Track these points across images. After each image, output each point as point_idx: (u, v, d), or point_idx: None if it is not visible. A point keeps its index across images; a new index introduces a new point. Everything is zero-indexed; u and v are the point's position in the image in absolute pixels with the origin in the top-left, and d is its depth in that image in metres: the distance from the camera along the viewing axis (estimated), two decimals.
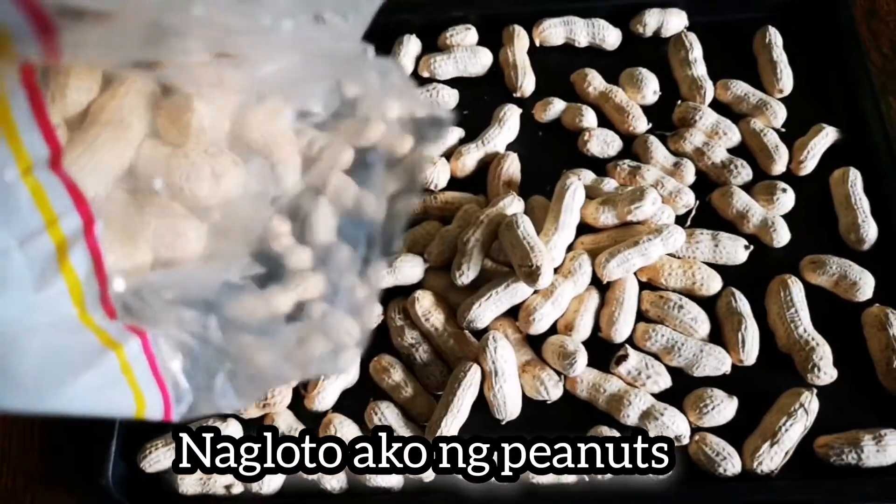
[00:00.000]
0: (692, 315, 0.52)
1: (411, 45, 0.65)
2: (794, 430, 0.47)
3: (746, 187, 0.57)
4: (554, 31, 0.64)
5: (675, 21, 0.64)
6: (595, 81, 0.62)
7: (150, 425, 0.50)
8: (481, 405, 0.50)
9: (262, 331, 0.34)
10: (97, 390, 0.30)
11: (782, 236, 0.55)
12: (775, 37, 0.62)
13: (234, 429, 0.51)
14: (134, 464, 0.50)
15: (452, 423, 0.48)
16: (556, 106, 0.61)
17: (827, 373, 0.49)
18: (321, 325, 0.35)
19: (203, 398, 0.33)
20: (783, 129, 0.59)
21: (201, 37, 0.26)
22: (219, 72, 0.29)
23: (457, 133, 0.60)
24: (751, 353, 0.51)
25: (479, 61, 0.64)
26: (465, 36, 0.64)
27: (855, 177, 0.56)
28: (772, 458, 0.47)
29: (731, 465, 0.47)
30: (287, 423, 0.50)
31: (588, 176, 0.57)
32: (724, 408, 0.49)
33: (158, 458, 0.50)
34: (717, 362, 0.50)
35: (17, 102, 0.24)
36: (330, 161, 0.36)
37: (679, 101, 0.61)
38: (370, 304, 0.36)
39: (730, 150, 0.59)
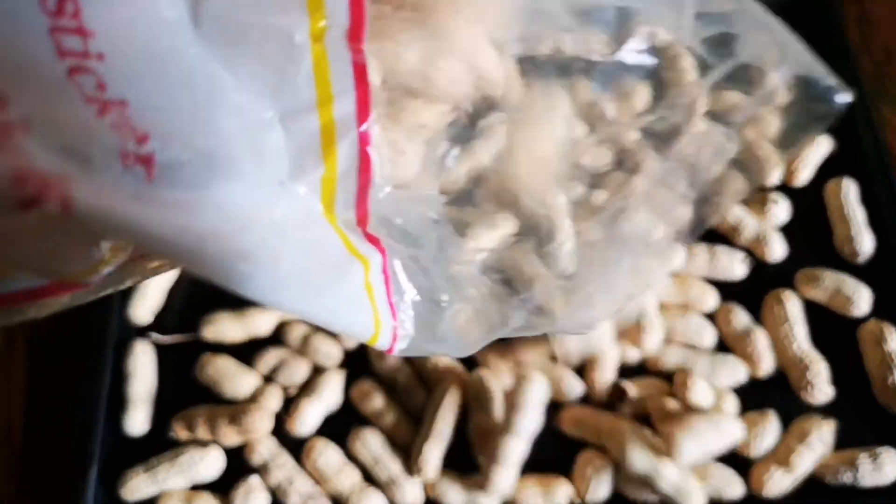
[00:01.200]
0: (697, 321, 0.50)
1: None
2: (807, 460, 0.46)
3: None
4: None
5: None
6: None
7: (132, 451, 0.50)
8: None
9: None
10: (346, 301, 0.25)
11: (776, 250, 0.53)
12: None
13: (214, 456, 0.49)
14: (114, 492, 0.48)
15: (432, 451, 0.46)
16: None
17: (822, 390, 0.48)
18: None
19: (424, 338, 0.29)
20: (777, 139, 0.58)
21: None
22: None
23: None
24: (767, 363, 0.49)
25: None
26: None
27: (848, 187, 0.54)
28: (780, 485, 0.45)
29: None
30: (269, 449, 0.48)
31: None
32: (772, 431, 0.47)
33: (138, 487, 0.48)
34: (733, 373, 0.49)
35: None
36: None
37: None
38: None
39: None
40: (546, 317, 0.31)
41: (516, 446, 0.44)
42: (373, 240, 0.26)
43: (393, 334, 0.28)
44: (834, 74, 0.29)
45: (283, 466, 0.48)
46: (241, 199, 0.20)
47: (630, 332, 0.49)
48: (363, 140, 0.23)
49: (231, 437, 0.48)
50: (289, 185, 0.22)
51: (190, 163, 0.19)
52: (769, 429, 0.47)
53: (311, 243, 0.23)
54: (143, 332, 0.54)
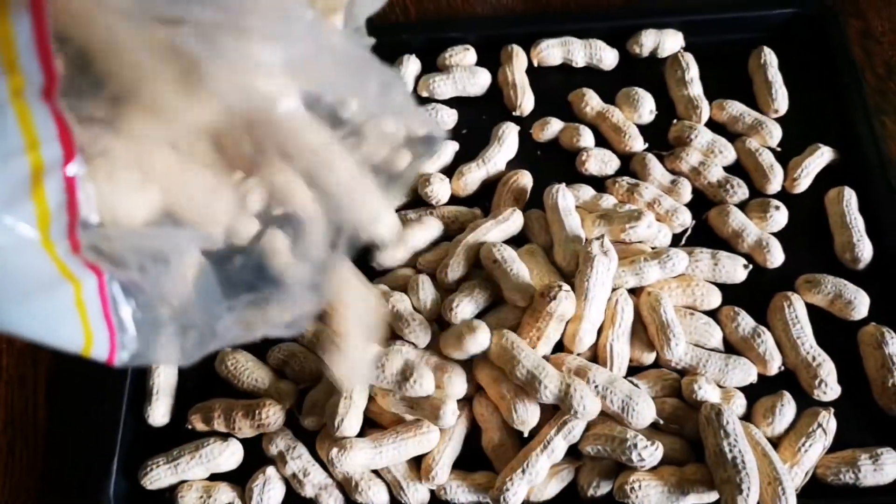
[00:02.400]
0: (704, 320, 0.51)
1: (411, 65, 0.64)
2: (813, 451, 0.46)
3: (742, 206, 0.56)
4: (552, 52, 0.63)
5: (670, 42, 0.63)
6: (592, 101, 0.61)
7: (152, 442, 0.51)
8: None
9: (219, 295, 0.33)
10: (49, 317, 0.29)
11: (776, 257, 0.54)
12: (770, 57, 0.62)
13: (234, 448, 0.50)
14: (135, 481, 0.50)
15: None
16: (554, 126, 0.60)
17: (833, 388, 0.49)
18: (280, 293, 0.34)
19: (146, 348, 0.32)
20: (779, 149, 0.59)
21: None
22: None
23: (451, 147, 0.60)
24: (777, 363, 0.50)
25: (477, 81, 0.63)
26: (463, 56, 0.64)
27: (850, 196, 0.55)
28: (792, 479, 0.46)
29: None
30: (285, 441, 0.49)
31: (587, 192, 0.56)
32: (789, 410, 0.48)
33: (159, 476, 0.49)
34: (744, 373, 0.49)
35: (20, 24, 0.24)
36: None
37: (675, 121, 0.60)
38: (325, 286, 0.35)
39: (725, 169, 0.58)
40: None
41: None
42: (90, 265, 0.29)
43: (110, 347, 0.31)
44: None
45: (299, 458, 0.49)
46: None
47: (654, 340, 0.50)
48: (69, 180, 0.27)
49: (246, 429, 0.49)
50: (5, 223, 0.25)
51: None
52: (787, 406, 0.48)
53: (16, 265, 0.26)
54: None
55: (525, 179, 0.57)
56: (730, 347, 0.51)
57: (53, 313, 0.29)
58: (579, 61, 0.63)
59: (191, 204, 0.31)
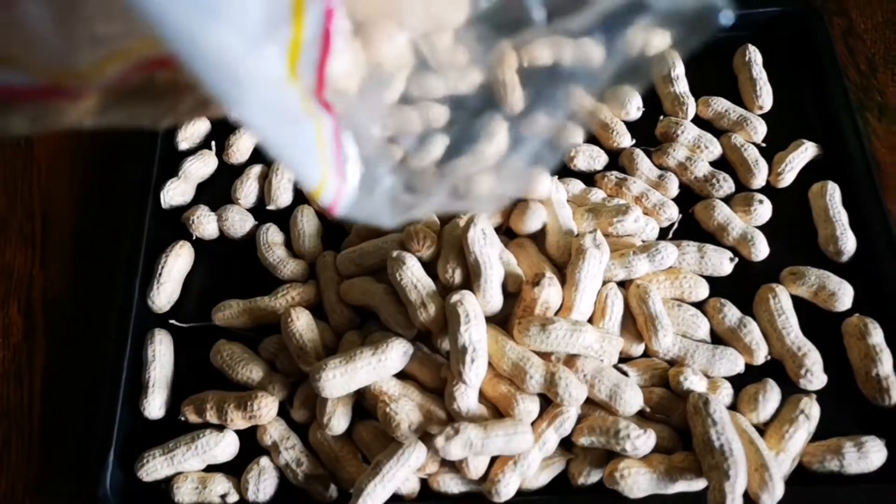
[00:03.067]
0: (692, 312, 0.52)
1: None
2: (798, 437, 0.47)
3: (728, 200, 0.57)
4: (541, 52, 0.64)
5: (657, 40, 0.64)
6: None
7: (147, 434, 0.51)
8: None
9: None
10: (300, 149, 0.28)
11: (760, 250, 0.54)
12: (755, 55, 0.62)
13: (230, 440, 0.50)
14: (132, 473, 0.50)
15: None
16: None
17: (819, 378, 0.49)
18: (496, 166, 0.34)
19: (363, 202, 0.32)
20: (763, 144, 0.59)
21: None
22: None
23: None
24: (763, 352, 0.51)
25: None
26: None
27: (833, 190, 0.56)
28: (780, 466, 0.46)
29: None
30: (279, 431, 0.50)
31: (576, 186, 0.57)
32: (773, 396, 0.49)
33: (156, 468, 0.49)
34: (731, 363, 0.50)
35: None
36: None
37: (661, 117, 0.61)
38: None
39: (711, 164, 0.59)
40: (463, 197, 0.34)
41: None
42: (327, 106, 0.28)
43: (336, 193, 0.30)
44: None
45: (293, 448, 0.49)
46: (226, 40, 0.22)
47: (642, 332, 0.50)
48: (328, 13, 0.25)
49: (238, 421, 0.50)
50: (262, 44, 0.23)
51: None
52: (770, 393, 0.48)
53: (273, 95, 0.25)
54: (161, 320, 0.55)
55: None
56: (717, 338, 0.52)
57: (301, 147, 0.28)
58: (567, 60, 0.64)
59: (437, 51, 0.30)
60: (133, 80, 0.26)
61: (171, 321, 0.55)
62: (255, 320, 0.54)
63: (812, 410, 0.48)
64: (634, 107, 0.61)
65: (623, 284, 0.52)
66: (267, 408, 0.49)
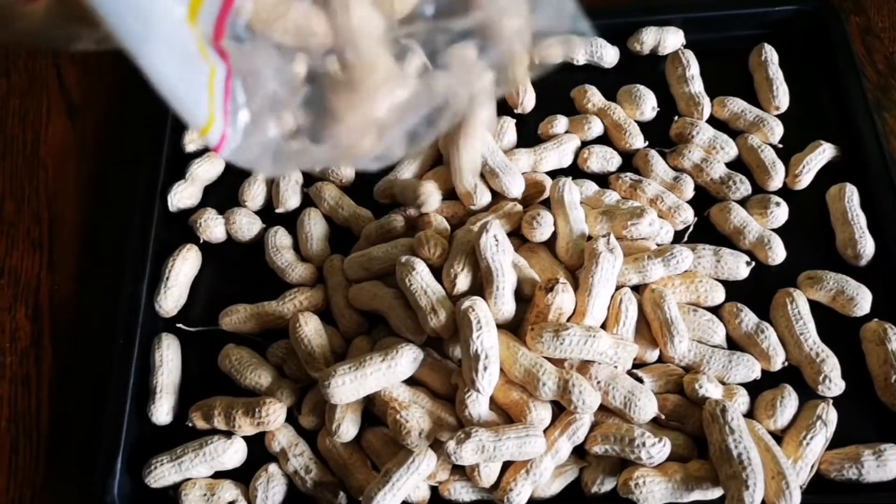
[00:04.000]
0: (707, 317, 0.51)
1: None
2: (815, 444, 0.46)
3: (744, 202, 0.56)
4: (553, 49, 0.63)
5: (671, 39, 0.63)
6: (594, 98, 0.61)
7: (155, 440, 0.51)
8: None
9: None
10: (190, 87, 0.30)
11: (777, 254, 0.53)
12: (771, 54, 0.61)
13: (238, 446, 0.50)
14: (139, 479, 0.49)
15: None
16: (560, 122, 0.60)
17: (837, 384, 0.48)
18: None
19: (247, 148, 0.33)
20: (780, 146, 0.58)
21: None
22: None
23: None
24: (780, 358, 0.50)
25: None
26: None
27: (851, 192, 0.55)
28: (797, 474, 0.45)
29: None
30: (287, 438, 0.49)
31: (590, 188, 0.56)
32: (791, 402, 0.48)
33: (163, 474, 0.49)
34: (748, 370, 0.49)
35: None
36: None
37: (676, 118, 0.60)
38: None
39: (727, 165, 0.58)
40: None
41: None
42: (223, 54, 0.30)
43: (222, 135, 0.32)
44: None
45: (301, 455, 0.49)
46: None
47: (657, 337, 0.49)
48: None
49: (246, 427, 0.49)
50: None
51: None
52: (788, 399, 0.47)
53: (172, 34, 0.27)
54: (168, 324, 0.55)
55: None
56: (733, 344, 0.51)
57: (191, 85, 0.29)
58: (580, 59, 0.63)
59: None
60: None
61: (179, 325, 0.55)
62: (263, 325, 0.53)
63: (829, 416, 0.47)
64: (649, 107, 0.60)
65: (637, 289, 0.51)
66: (275, 414, 0.49)
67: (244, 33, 0.30)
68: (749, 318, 0.51)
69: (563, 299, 0.47)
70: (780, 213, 0.55)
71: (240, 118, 0.32)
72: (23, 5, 0.29)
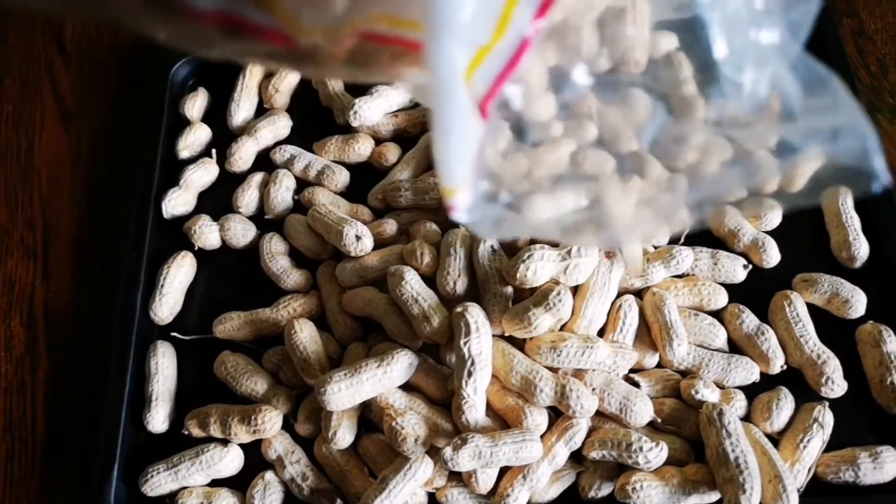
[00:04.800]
0: (709, 321, 0.50)
1: None
2: (812, 446, 0.46)
3: (738, 204, 0.56)
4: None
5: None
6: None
7: (151, 448, 0.50)
8: None
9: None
10: (459, 139, 0.28)
11: (772, 257, 0.53)
12: None
13: (234, 454, 0.49)
14: (135, 488, 0.49)
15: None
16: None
17: (840, 385, 0.48)
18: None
19: (477, 213, 0.32)
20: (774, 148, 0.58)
21: None
22: None
23: None
24: (780, 360, 0.50)
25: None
26: None
27: (846, 195, 0.55)
28: (795, 477, 0.45)
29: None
30: (284, 445, 0.49)
31: None
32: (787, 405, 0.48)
33: (160, 482, 0.48)
34: (747, 372, 0.49)
35: None
36: None
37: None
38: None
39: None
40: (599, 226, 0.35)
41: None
42: (485, 114, 0.29)
43: (466, 197, 0.31)
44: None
45: (297, 462, 0.48)
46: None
47: (656, 341, 0.49)
48: (524, 42, 0.26)
49: (242, 435, 0.49)
50: (458, 37, 0.24)
51: None
52: (784, 401, 0.47)
53: (453, 84, 0.26)
54: (164, 332, 0.55)
55: None
56: (733, 346, 0.51)
57: (459, 140, 0.28)
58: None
59: None
60: (346, 45, 0.27)
61: (173, 334, 0.54)
62: (258, 332, 0.53)
63: (826, 418, 0.46)
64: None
65: (640, 293, 0.51)
66: (271, 422, 0.48)
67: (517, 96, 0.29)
68: (750, 321, 0.50)
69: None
70: (774, 216, 0.54)
71: (482, 179, 0.32)
72: (278, 46, 0.27)
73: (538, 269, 0.46)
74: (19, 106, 0.68)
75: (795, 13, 0.33)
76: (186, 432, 0.50)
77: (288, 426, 0.50)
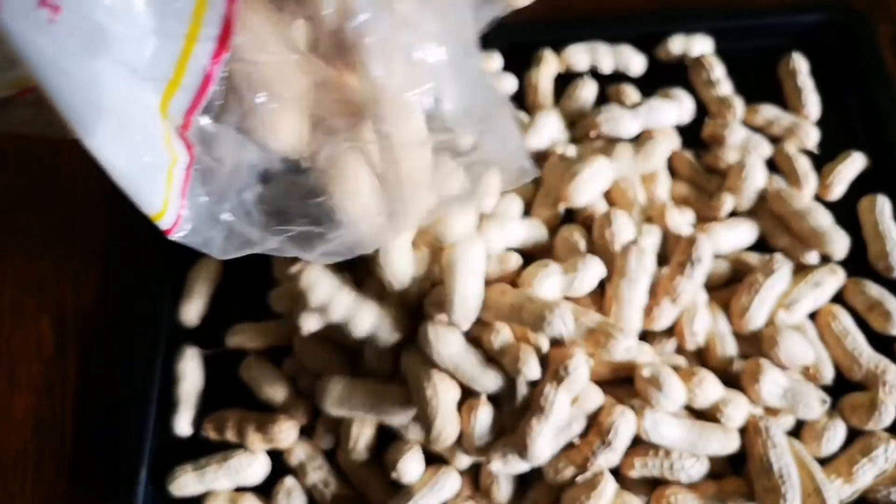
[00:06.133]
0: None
1: None
2: (869, 474, 0.44)
3: None
4: (579, 57, 0.62)
5: (699, 47, 0.61)
6: (633, 96, 0.59)
7: (179, 451, 0.49)
8: None
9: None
10: (147, 177, 0.31)
11: (811, 260, 0.52)
12: (800, 63, 0.60)
13: (262, 461, 0.48)
14: (163, 489, 0.48)
15: None
16: None
17: None
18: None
19: (198, 233, 0.35)
20: (817, 151, 0.57)
21: None
22: None
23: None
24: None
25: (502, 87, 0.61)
26: (489, 62, 0.62)
27: (883, 204, 0.53)
28: (837, 493, 0.44)
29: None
30: (306, 452, 0.48)
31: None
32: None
33: (186, 483, 0.48)
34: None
35: None
36: None
37: (707, 119, 0.58)
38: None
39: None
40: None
41: None
42: (188, 144, 0.32)
43: (175, 221, 0.33)
44: None
45: (320, 469, 0.47)
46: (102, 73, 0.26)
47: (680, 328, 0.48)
48: (210, 70, 0.29)
49: (257, 443, 0.48)
50: (143, 77, 0.28)
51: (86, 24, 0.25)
52: (835, 431, 0.46)
53: (141, 123, 0.29)
54: (191, 334, 0.54)
55: None
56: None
57: (149, 175, 0.31)
58: (606, 67, 0.62)
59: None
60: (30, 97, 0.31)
61: (200, 349, 0.53)
62: (272, 342, 0.52)
63: (893, 455, 0.45)
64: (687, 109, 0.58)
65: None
66: (286, 433, 0.47)
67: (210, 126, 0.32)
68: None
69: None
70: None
71: (197, 199, 0.34)
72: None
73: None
74: None
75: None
76: (206, 435, 0.49)
77: (309, 433, 0.49)
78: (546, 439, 0.42)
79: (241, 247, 0.36)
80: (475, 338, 0.44)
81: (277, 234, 0.35)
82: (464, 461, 0.45)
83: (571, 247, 0.49)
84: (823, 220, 0.52)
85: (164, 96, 0.29)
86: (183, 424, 0.50)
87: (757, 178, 0.53)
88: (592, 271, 0.46)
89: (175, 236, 0.34)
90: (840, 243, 0.51)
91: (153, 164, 0.30)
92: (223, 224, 0.35)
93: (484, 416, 0.43)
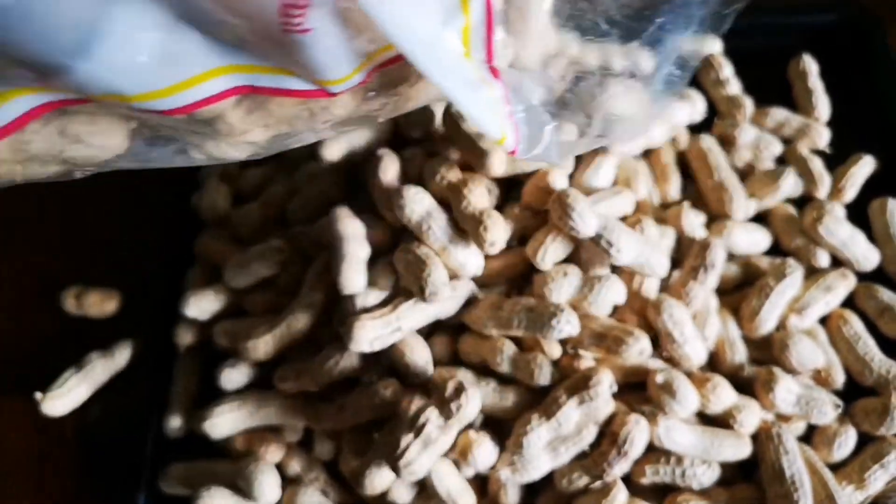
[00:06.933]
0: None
1: None
2: (880, 481, 0.44)
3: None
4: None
5: (709, 47, 0.61)
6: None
7: (186, 452, 0.49)
8: None
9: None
10: (483, 108, 0.34)
11: (822, 261, 0.51)
12: (810, 64, 0.59)
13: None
14: (164, 495, 0.47)
15: None
16: None
17: None
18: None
19: (533, 144, 0.38)
20: (829, 151, 0.56)
21: None
22: None
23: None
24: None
25: None
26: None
27: (894, 206, 0.52)
28: (849, 499, 0.43)
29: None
30: (302, 463, 0.47)
31: None
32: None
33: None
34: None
35: None
36: None
37: (716, 119, 0.57)
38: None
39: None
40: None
41: None
42: (495, 72, 0.35)
43: (515, 140, 0.36)
44: None
45: (317, 479, 0.46)
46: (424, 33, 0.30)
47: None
48: (488, 4, 0.32)
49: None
50: (444, 32, 0.31)
51: None
52: (846, 438, 0.45)
53: (458, 69, 0.32)
54: (197, 333, 0.53)
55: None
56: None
57: (484, 105, 0.34)
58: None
59: None
60: (372, 79, 0.33)
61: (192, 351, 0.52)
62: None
63: None
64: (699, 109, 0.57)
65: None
66: (272, 454, 0.46)
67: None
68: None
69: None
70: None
71: (519, 117, 0.37)
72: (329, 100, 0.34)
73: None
74: None
75: None
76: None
77: (307, 444, 0.48)
78: (542, 441, 0.41)
79: (571, 150, 0.41)
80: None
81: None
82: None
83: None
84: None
85: (464, 40, 0.32)
86: (176, 425, 0.49)
87: (787, 190, 0.53)
88: (612, 293, 0.45)
89: (520, 156, 0.37)
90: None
91: (480, 99, 0.33)
92: (547, 135, 0.38)
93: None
